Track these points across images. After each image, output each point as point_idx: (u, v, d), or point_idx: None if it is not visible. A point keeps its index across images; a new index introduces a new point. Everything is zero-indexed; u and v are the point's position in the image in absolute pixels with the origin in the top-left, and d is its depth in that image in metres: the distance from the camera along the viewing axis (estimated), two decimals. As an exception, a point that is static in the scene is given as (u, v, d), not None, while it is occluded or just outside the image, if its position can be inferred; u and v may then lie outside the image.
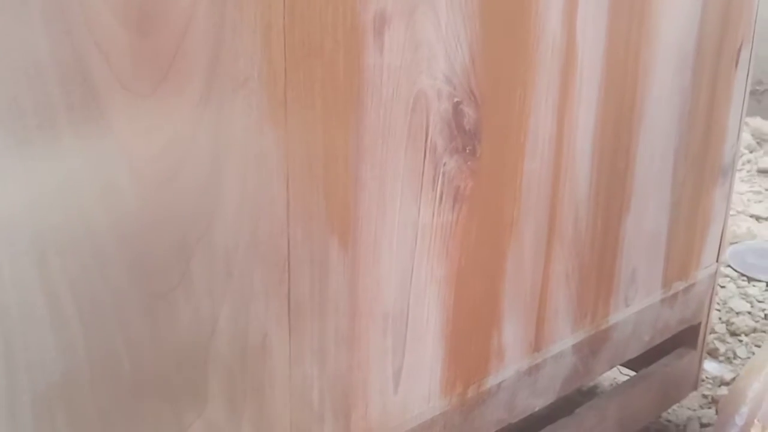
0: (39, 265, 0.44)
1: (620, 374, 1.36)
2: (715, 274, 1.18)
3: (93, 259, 0.47)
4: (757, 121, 2.80)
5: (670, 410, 1.29)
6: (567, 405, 1.01)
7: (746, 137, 2.67)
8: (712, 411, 1.33)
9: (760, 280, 1.79)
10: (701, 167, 1.04)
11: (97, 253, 0.47)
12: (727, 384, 1.40)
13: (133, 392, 0.51)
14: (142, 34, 0.45)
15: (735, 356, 1.50)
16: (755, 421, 0.99)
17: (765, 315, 1.64)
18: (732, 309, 1.67)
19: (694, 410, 1.33)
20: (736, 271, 1.84)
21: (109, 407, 0.50)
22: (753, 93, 2.00)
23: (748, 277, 1.81)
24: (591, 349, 0.96)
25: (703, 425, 1.30)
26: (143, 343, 0.50)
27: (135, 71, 0.45)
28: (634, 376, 1.16)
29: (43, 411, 0.47)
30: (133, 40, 0.45)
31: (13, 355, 0.44)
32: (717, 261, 1.17)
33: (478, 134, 0.70)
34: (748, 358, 1.48)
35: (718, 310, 1.66)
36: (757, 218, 2.18)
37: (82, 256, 0.46)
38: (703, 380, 1.34)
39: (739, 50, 1.03)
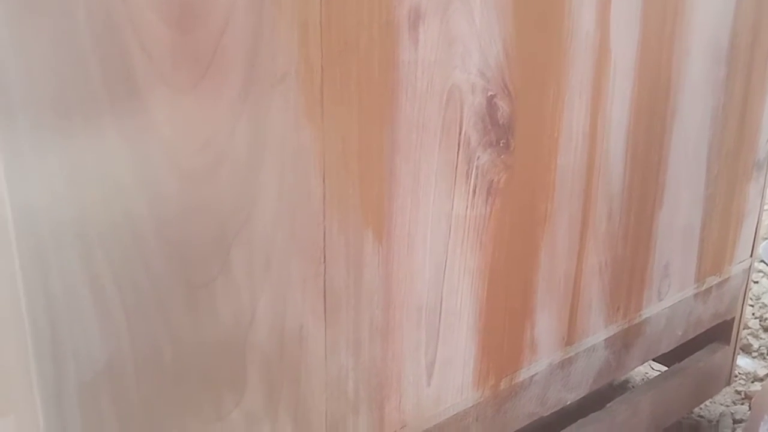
0: (84, 257, 0.46)
1: (652, 369, 1.36)
2: (749, 269, 1.17)
3: (135, 250, 0.48)
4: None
5: (702, 406, 1.29)
6: (599, 399, 1.02)
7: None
8: (745, 407, 1.32)
9: (794, 276, 1.77)
10: (735, 161, 1.04)
11: (139, 244, 0.48)
12: (760, 380, 1.39)
13: (174, 380, 0.52)
14: (182, 31, 0.46)
15: (769, 352, 1.49)
16: (789, 416, 0.98)
17: (800, 311, 1.62)
18: (765, 305, 1.65)
19: (727, 406, 1.33)
20: (770, 266, 1.82)
21: (152, 395, 0.51)
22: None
23: (782, 272, 1.79)
24: (624, 343, 0.96)
25: (735, 421, 1.29)
26: (184, 333, 0.52)
27: (176, 67, 0.47)
28: (667, 370, 1.15)
29: (88, 398, 0.48)
30: (174, 37, 0.46)
31: (60, 344, 0.46)
32: (751, 256, 1.17)
33: (511, 128, 0.70)
34: (783, 353, 1.47)
35: (752, 306, 1.64)
36: (793, 213, 2.15)
37: (125, 248, 0.47)
38: (736, 376, 1.33)
39: (775, 43, 1.02)
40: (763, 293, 1.69)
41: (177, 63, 0.46)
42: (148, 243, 0.48)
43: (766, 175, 1.12)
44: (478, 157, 0.68)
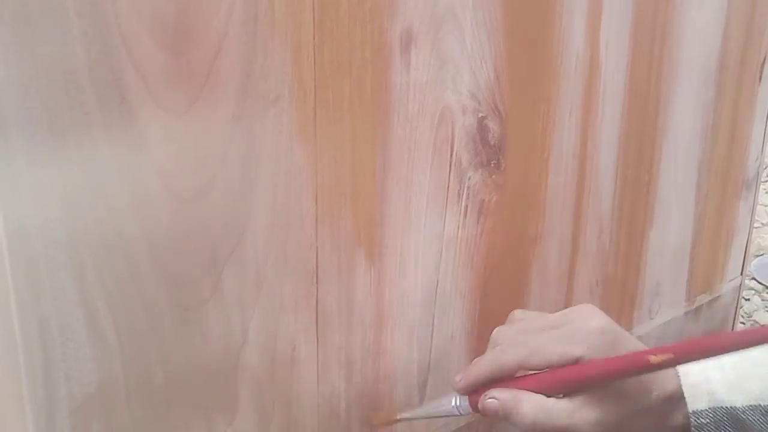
0: (77, 279, 0.46)
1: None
2: (739, 287, 1.18)
3: (128, 272, 0.48)
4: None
5: (694, 424, 1.28)
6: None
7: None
8: (737, 425, 1.32)
9: (785, 293, 1.78)
10: (725, 180, 1.04)
11: (131, 266, 0.48)
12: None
13: (166, 402, 0.52)
14: (176, 53, 0.46)
15: (760, 369, 1.49)
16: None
17: (790, 328, 1.63)
18: (757, 322, 1.66)
19: None
20: (760, 283, 1.83)
21: (143, 417, 0.51)
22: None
23: (773, 289, 1.80)
24: (615, 362, 0.96)
25: (728, 439, 1.29)
26: (176, 355, 0.52)
27: (170, 90, 0.47)
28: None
29: (80, 421, 0.48)
30: (168, 60, 0.46)
31: (52, 367, 0.46)
32: (741, 274, 1.17)
33: (502, 149, 0.70)
34: (774, 371, 1.47)
35: (743, 324, 1.65)
36: (782, 230, 2.16)
37: (118, 270, 0.47)
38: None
39: (763, 64, 1.03)
40: (754, 311, 1.70)
41: (171, 85, 0.47)
42: (140, 265, 0.48)
43: (755, 193, 1.13)
44: (470, 178, 0.69)
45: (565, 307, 0.81)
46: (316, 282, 0.59)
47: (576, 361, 0.54)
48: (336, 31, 0.54)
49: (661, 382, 0.56)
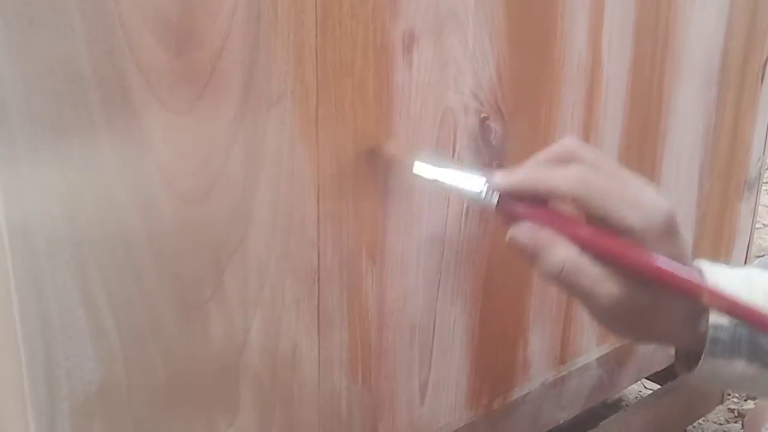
0: (79, 277, 0.46)
1: (645, 388, 1.36)
2: (740, 288, 1.17)
3: (130, 271, 0.48)
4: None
5: (695, 424, 1.29)
6: (592, 418, 1.02)
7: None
8: (738, 425, 1.32)
9: (786, 294, 1.77)
10: (726, 181, 1.04)
11: (134, 265, 0.48)
12: (753, 398, 1.39)
13: (167, 401, 0.52)
14: (179, 53, 0.47)
15: (761, 370, 1.49)
16: (782, 435, 0.98)
17: (792, 329, 1.62)
18: (758, 323, 1.65)
19: (720, 424, 1.33)
20: (762, 284, 1.82)
21: (145, 416, 0.51)
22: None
23: (774, 290, 1.79)
24: (617, 362, 0.96)
25: (728, 439, 1.29)
26: (178, 354, 0.52)
27: (173, 90, 0.47)
28: (660, 389, 1.15)
29: (81, 420, 0.48)
30: (171, 60, 0.46)
31: (54, 366, 0.46)
32: (743, 275, 1.17)
33: (504, 149, 0.70)
34: (775, 372, 1.47)
35: (744, 324, 1.64)
36: (784, 231, 2.16)
37: (120, 269, 0.48)
38: (728, 394, 1.33)
39: (764, 65, 1.03)
40: (754, 311, 1.70)
41: (174, 85, 0.47)
42: (143, 264, 0.48)
43: (757, 194, 1.13)
44: (472, 178, 0.69)
45: (567, 307, 0.82)
46: (318, 282, 0.59)
47: (630, 231, 0.49)
48: (338, 32, 0.55)
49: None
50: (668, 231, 0.50)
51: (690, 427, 1.29)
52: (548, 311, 0.83)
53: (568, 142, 0.53)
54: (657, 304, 0.51)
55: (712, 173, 1.01)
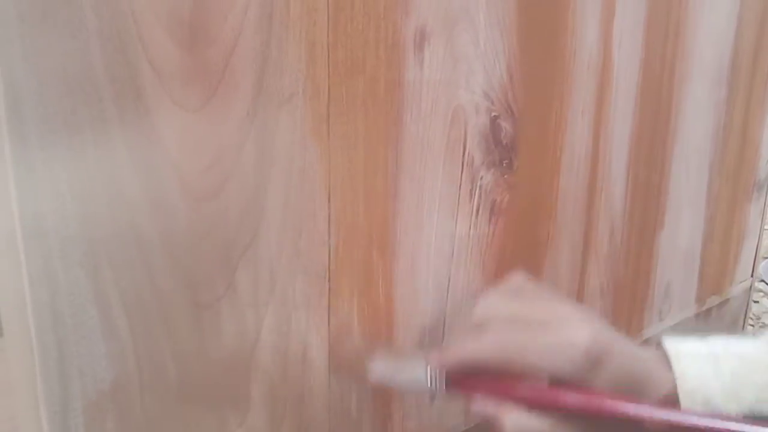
0: (92, 276, 0.46)
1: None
2: (749, 289, 1.17)
3: (142, 270, 0.48)
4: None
5: (703, 426, 1.28)
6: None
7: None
8: (747, 427, 1.31)
9: (794, 296, 1.77)
10: (736, 182, 1.04)
11: (146, 264, 0.48)
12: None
13: (179, 399, 0.52)
14: (192, 51, 0.46)
15: (769, 372, 1.48)
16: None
17: (799, 331, 1.62)
18: (766, 324, 1.65)
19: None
20: (770, 286, 1.82)
21: (156, 414, 0.51)
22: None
23: (782, 292, 1.79)
24: (625, 363, 0.96)
25: (737, 441, 1.28)
26: (189, 352, 0.52)
27: (185, 87, 0.47)
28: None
29: (94, 417, 0.48)
30: (184, 57, 0.46)
31: (66, 363, 0.46)
32: (751, 276, 1.17)
33: (515, 148, 0.70)
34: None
35: (752, 326, 1.64)
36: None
37: (133, 267, 0.47)
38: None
39: (775, 65, 1.03)
40: (763, 313, 1.69)
41: (186, 82, 0.47)
42: (155, 262, 0.48)
43: (766, 195, 1.13)
44: (482, 177, 0.69)
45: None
46: (329, 280, 0.59)
47: (560, 377, 0.52)
48: (350, 29, 0.54)
49: (655, 387, 0.55)
50: (594, 361, 0.52)
51: None
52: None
53: (515, 279, 0.59)
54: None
55: (722, 174, 1.00)
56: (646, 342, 0.98)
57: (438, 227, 0.66)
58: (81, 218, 0.44)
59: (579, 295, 0.85)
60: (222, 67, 0.48)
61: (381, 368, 0.60)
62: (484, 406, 0.55)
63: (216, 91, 0.48)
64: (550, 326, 0.55)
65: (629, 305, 0.94)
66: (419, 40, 0.59)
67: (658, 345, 0.57)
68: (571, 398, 0.52)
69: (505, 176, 0.70)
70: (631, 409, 0.51)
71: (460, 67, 0.63)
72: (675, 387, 0.54)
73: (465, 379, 0.56)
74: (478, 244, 0.71)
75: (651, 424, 0.51)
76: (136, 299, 0.48)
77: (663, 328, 1.00)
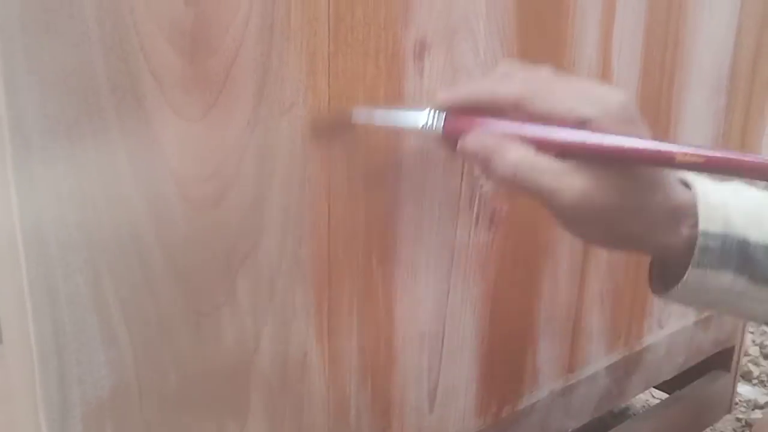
0: (92, 284, 0.46)
1: (652, 397, 1.36)
2: (749, 297, 1.17)
3: (142, 277, 0.48)
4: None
5: (703, 433, 1.28)
6: (599, 427, 1.01)
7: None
8: (746, 435, 1.32)
9: (794, 303, 1.77)
10: (736, 190, 1.04)
11: (145, 271, 0.48)
12: (761, 407, 1.38)
13: (178, 407, 0.52)
14: (193, 61, 0.47)
15: (769, 379, 1.49)
16: (791, 445, 0.98)
17: (800, 338, 1.62)
18: (766, 332, 1.65)
19: (728, 434, 1.32)
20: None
21: (156, 421, 0.51)
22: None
23: (782, 299, 1.79)
24: (625, 371, 0.96)
25: (737, 449, 1.29)
26: (189, 360, 0.52)
27: (186, 97, 0.47)
28: (668, 398, 1.15)
29: (93, 425, 0.48)
30: (185, 67, 0.46)
31: (65, 370, 0.46)
32: (751, 284, 1.17)
33: (514, 157, 0.70)
34: (783, 381, 1.47)
35: (752, 333, 1.64)
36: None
37: (133, 275, 0.48)
38: (736, 403, 1.33)
39: (775, 74, 1.03)
40: (762, 320, 1.69)
41: (187, 92, 0.47)
42: (155, 270, 0.48)
43: (765, 204, 1.13)
44: (481, 186, 0.69)
45: (576, 316, 0.82)
46: (328, 288, 0.59)
47: (583, 124, 0.46)
48: (350, 40, 0.55)
49: (672, 188, 0.49)
50: (627, 119, 0.47)
51: (698, 437, 1.28)
52: (557, 320, 0.83)
53: (507, 63, 0.52)
54: (628, 202, 0.47)
55: (721, 182, 1.01)
56: (646, 350, 0.98)
57: (437, 235, 0.66)
58: (82, 226, 0.45)
59: (578, 303, 0.85)
60: (223, 77, 0.48)
61: (368, 112, 0.55)
62: (481, 140, 0.48)
63: (217, 100, 0.48)
64: (583, 80, 0.49)
65: (629, 312, 0.94)
66: (419, 50, 0.59)
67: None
68: (593, 136, 0.46)
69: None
70: (661, 145, 0.46)
71: (459, 77, 0.63)
72: (694, 196, 0.50)
73: (467, 120, 0.49)
74: (478, 252, 0.71)
75: (683, 158, 0.45)
76: (136, 307, 0.48)
77: (662, 336, 1.00)
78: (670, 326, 1.02)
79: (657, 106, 0.86)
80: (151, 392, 0.50)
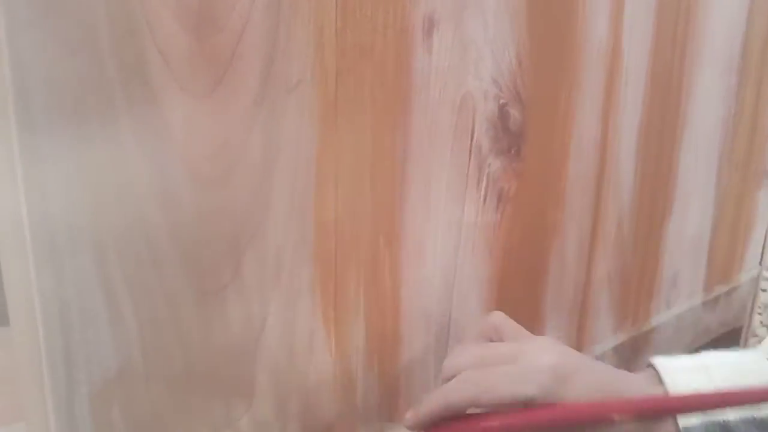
0: (98, 263, 0.45)
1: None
2: (757, 278, 1.17)
3: (148, 256, 0.48)
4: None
5: (709, 414, 1.28)
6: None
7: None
8: (752, 415, 1.31)
9: (801, 284, 1.76)
10: (745, 170, 1.03)
11: (152, 251, 0.48)
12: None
13: (184, 386, 0.52)
14: (200, 37, 0.46)
15: (775, 360, 1.48)
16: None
17: (806, 319, 1.62)
18: (773, 313, 1.64)
19: (734, 414, 1.32)
20: (777, 274, 1.81)
21: (162, 401, 0.51)
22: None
23: (789, 280, 1.78)
24: (632, 351, 0.96)
25: (742, 430, 1.28)
26: (195, 339, 0.51)
27: (193, 73, 0.46)
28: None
29: (100, 405, 0.48)
30: (191, 43, 0.46)
31: (72, 351, 0.46)
32: (760, 264, 1.16)
33: (523, 135, 0.70)
34: (789, 362, 1.46)
35: (760, 314, 1.63)
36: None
37: (138, 254, 0.47)
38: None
39: (786, 52, 1.02)
40: (769, 301, 1.68)
41: (194, 68, 0.46)
42: (161, 249, 0.48)
43: (775, 184, 1.12)
44: (490, 165, 0.68)
45: (583, 296, 0.82)
46: (335, 268, 0.59)
47: (528, 402, 0.53)
48: (359, 14, 0.54)
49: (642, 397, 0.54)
50: (564, 378, 0.53)
51: (703, 417, 1.28)
52: (564, 300, 0.82)
53: (493, 319, 0.60)
54: None
55: (731, 162, 1.00)
56: (654, 331, 0.98)
57: (445, 215, 0.66)
58: (88, 205, 0.44)
59: (586, 283, 0.84)
60: (230, 53, 0.48)
61: None
62: None
63: (224, 77, 0.48)
64: (515, 359, 0.56)
65: (637, 293, 0.93)
66: (428, 26, 0.59)
67: (648, 365, 0.57)
68: (539, 414, 0.52)
69: (513, 164, 0.70)
70: (597, 407, 0.52)
71: (468, 54, 0.62)
72: (666, 394, 0.54)
73: (442, 428, 0.56)
74: (486, 232, 0.70)
75: (619, 416, 0.51)
76: (142, 286, 0.48)
77: (670, 317, 1.00)
78: (678, 307, 1.01)
79: (668, 85, 0.85)
80: (157, 372, 0.50)
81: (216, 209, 0.50)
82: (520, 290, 0.76)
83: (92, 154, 0.44)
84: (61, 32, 0.41)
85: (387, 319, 0.64)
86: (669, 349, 1.03)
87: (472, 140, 0.66)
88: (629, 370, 0.96)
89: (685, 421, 0.52)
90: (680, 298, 1.01)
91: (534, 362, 0.54)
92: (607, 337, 0.91)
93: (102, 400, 0.48)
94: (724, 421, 0.52)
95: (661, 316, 0.99)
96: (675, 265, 0.98)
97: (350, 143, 0.56)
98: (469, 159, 0.66)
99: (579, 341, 0.86)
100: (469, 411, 0.56)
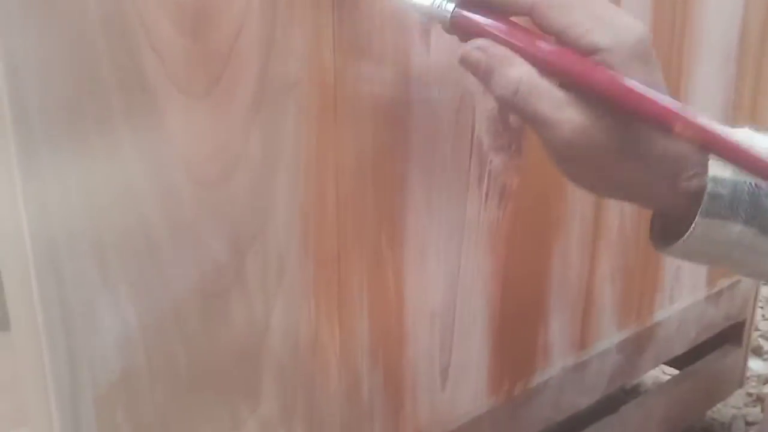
0: (99, 266, 0.45)
1: (663, 374, 1.35)
2: (760, 271, 1.17)
3: (150, 259, 0.48)
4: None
5: (714, 408, 1.28)
6: (611, 403, 1.01)
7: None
8: (758, 409, 1.31)
9: (804, 277, 1.76)
10: (746, 162, 1.03)
11: (153, 253, 0.48)
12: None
13: (189, 389, 0.52)
14: (196, 37, 0.46)
15: (779, 354, 1.48)
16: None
17: (810, 312, 1.62)
18: (777, 305, 1.64)
19: (739, 408, 1.32)
20: (780, 267, 1.81)
21: (166, 403, 0.51)
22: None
23: (792, 273, 1.78)
24: (637, 347, 0.95)
25: (748, 423, 1.28)
26: (199, 341, 0.51)
27: (189, 74, 0.46)
28: (679, 373, 1.15)
29: (104, 409, 0.47)
30: (187, 44, 0.45)
31: (75, 353, 0.45)
32: (762, 257, 1.16)
33: (523, 132, 0.69)
34: (794, 355, 1.47)
35: (762, 308, 1.64)
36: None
37: (140, 256, 0.47)
38: (747, 378, 1.32)
39: (784, 43, 1.01)
40: (773, 295, 1.68)
41: (190, 69, 0.46)
42: (162, 251, 0.48)
43: (776, 176, 1.12)
44: (491, 162, 0.68)
45: (587, 291, 0.81)
46: (338, 268, 0.59)
47: (596, 50, 0.43)
48: (356, 13, 0.54)
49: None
50: (640, 56, 0.44)
51: (709, 412, 1.28)
52: (568, 296, 0.82)
53: None
54: (629, 147, 0.45)
55: (731, 154, 0.99)
56: (658, 326, 0.98)
57: (447, 212, 0.66)
58: (87, 208, 0.44)
59: (590, 278, 0.84)
60: (227, 53, 0.47)
61: None
62: (487, 48, 0.45)
63: (221, 77, 0.48)
64: (607, 4, 0.46)
65: (640, 288, 0.93)
66: (426, 24, 0.58)
67: None
68: (602, 72, 0.43)
69: (515, 160, 0.70)
70: (668, 103, 0.44)
71: (467, 50, 0.62)
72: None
73: (480, 17, 0.47)
74: (488, 228, 0.70)
75: (683, 129, 0.43)
76: (144, 288, 0.48)
77: (673, 312, 1.00)
78: (681, 301, 1.01)
79: (666, 76, 0.84)
80: (161, 374, 0.50)
81: (217, 210, 0.50)
82: (523, 286, 0.76)
83: (90, 156, 0.43)
84: (55, 35, 0.41)
85: (391, 318, 0.64)
86: (673, 345, 1.03)
87: (472, 137, 0.66)
88: (632, 367, 0.96)
89: (716, 171, 0.46)
90: (683, 292, 1.01)
91: (625, 19, 0.45)
92: (612, 332, 0.90)
93: (106, 403, 0.47)
94: (755, 186, 0.46)
95: (665, 311, 0.98)
96: (678, 260, 0.97)
97: (350, 142, 0.56)
98: (470, 156, 0.66)
99: (583, 337, 0.86)
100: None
